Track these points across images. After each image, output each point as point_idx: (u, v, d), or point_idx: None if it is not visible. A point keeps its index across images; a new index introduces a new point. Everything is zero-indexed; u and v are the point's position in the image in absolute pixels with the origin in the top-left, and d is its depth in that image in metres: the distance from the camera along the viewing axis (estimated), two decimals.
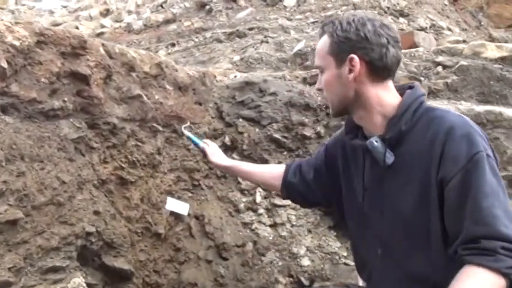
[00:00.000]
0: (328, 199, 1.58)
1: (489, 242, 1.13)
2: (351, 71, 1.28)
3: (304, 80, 2.94)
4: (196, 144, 1.87)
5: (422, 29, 3.55)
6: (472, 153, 1.18)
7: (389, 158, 1.28)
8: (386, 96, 1.31)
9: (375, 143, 1.28)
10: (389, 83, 1.33)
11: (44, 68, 1.92)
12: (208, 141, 1.89)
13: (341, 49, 1.29)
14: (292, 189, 1.62)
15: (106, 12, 5.79)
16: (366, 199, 1.38)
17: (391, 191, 1.31)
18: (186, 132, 1.95)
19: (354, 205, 1.43)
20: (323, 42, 1.34)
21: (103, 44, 2.26)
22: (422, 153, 1.24)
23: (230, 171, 2.08)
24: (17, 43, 1.77)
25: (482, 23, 4.33)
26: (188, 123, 2.04)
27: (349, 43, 1.28)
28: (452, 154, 1.20)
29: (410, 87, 1.35)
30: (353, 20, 1.29)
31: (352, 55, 1.27)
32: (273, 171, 1.75)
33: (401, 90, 1.35)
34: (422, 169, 1.24)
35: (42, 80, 1.91)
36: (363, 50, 1.27)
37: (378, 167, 1.31)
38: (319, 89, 1.40)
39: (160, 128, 2.57)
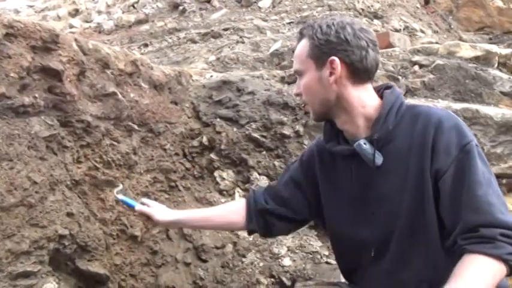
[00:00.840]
0: (315, 212, 1.53)
1: (488, 229, 1.14)
2: (331, 73, 1.29)
3: (283, 79, 2.91)
4: (132, 207, 1.63)
5: (396, 31, 3.59)
6: (463, 143, 1.20)
7: (379, 158, 1.28)
8: (367, 98, 1.32)
9: (364, 146, 1.28)
10: (369, 86, 1.34)
11: (13, 62, 1.82)
12: (145, 200, 1.68)
13: (322, 52, 1.30)
14: (270, 216, 1.53)
15: (75, 12, 5.63)
16: (355, 204, 1.35)
17: (383, 191, 1.30)
18: (120, 197, 1.67)
19: (338, 212, 1.41)
20: (302, 46, 1.34)
21: (76, 39, 2.17)
22: (412, 148, 1.25)
23: (182, 225, 1.90)
24: None
25: (452, 26, 4.43)
26: (121, 187, 1.77)
27: (329, 45, 1.28)
28: (444, 146, 1.21)
29: (388, 87, 1.36)
30: (333, 24, 1.30)
31: (333, 57, 1.28)
32: (231, 207, 1.67)
33: (379, 91, 1.37)
34: (415, 164, 1.24)
35: (12, 74, 1.80)
36: (343, 53, 1.28)
37: (366, 170, 1.30)
38: (298, 94, 1.40)
39: (136, 127, 2.49)
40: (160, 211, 1.60)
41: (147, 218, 1.61)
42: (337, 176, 1.40)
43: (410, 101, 2.54)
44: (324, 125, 1.43)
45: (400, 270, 1.29)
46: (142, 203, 1.63)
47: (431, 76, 2.61)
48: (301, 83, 1.36)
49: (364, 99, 1.32)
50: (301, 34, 1.37)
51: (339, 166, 1.40)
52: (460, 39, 4.08)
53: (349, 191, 1.36)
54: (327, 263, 2.34)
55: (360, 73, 1.30)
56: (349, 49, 1.27)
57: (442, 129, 1.22)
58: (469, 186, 1.17)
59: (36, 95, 1.90)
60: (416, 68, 2.70)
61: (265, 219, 1.54)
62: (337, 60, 1.28)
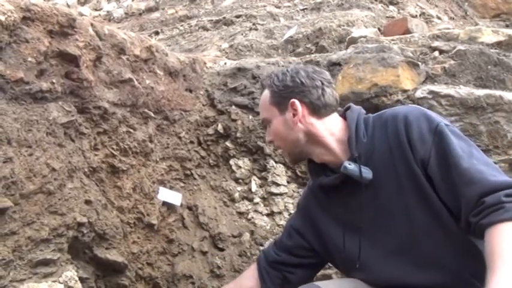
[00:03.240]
0: (323, 254, 1.53)
1: (490, 197, 1.12)
2: (294, 114, 1.39)
3: None
4: None
5: (412, 17, 3.52)
6: (434, 127, 1.25)
7: (367, 173, 1.30)
8: (333, 126, 1.40)
9: (349, 166, 1.31)
10: (334, 115, 1.43)
11: (30, 47, 1.78)
12: None
13: (282, 97, 1.40)
14: (286, 266, 1.54)
15: (84, 1, 5.58)
16: (351, 225, 1.36)
17: (384, 203, 1.30)
18: None
19: (341, 244, 1.40)
20: (264, 95, 1.46)
21: (92, 24, 2.13)
22: (393, 151, 1.29)
23: None
24: (2, 17, 1.64)
25: (468, 13, 4.34)
26: None
27: (287, 90, 1.39)
28: (418, 136, 1.25)
29: (347, 109, 1.44)
30: (287, 70, 1.43)
31: (293, 99, 1.38)
32: (245, 274, 1.68)
33: (341, 115, 1.45)
34: (401, 165, 1.27)
35: (29, 59, 1.77)
36: (301, 94, 1.38)
37: (360, 190, 1.31)
38: (271, 141, 1.50)
39: (152, 115, 2.46)
40: None
41: None
42: (336, 208, 1.42)
43: (430, 87, 2.49)
44: (307, 167, 1.50)
45: (433, 275, 1.25)
46: None
47: (452, 62, 2.55)
48: (270, 130, 1.46)
49: (331, 127, 1.39)
50: (262, 86, 1.49)
51: (334, 199, 1.42)
52: (476, 26, 3.99)
53: (348, 217, 1.38)
54: None
55: (321, 109, 1.39)
56: (306, 89, 1.38)
57: (410, 122, 1.27)
58: (454, 163, 1.19)
59: (54, 81, 1.87)
60: (436, 53, 2.63)
61: (281, 271, 1.55)
62: (296, 101, 1.38)
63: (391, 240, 1.30)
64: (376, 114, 1.41)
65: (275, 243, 1.64)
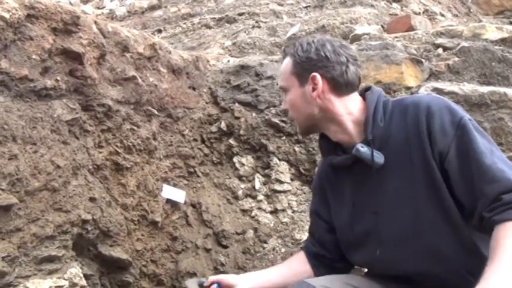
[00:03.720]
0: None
1: (509, 195, 1.11)
2: (314, 89, 1.34)
3: None
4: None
5: (416, 14, 3.51)
6: (457, 120, 1.21)
7: (379, 157, 1.28)
8: (352, 105, 1.35)
9: (362, 149, 1.28)
10: (354, 95, 1.38)
11: (34, 44, 1.79)
12: (214, 277, 1.53)
13: (303, 69, 1.35)
14: (325, 258, 1.51)
15: None
16: (359, 207, 1.35)
17: (391, 191, 1.28)
18: (191, 286, 1.54)
19: (348, 223, 1.40)
20: (286, 64, 1.41)
21: (95, 22, 2.14)
22: (410, 140, 1.26)
23: None
24: (6, 15, 1.64)
25: (471, 10, 4.33)
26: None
27: (310, 62, 1.34)
28: (439, 127, 1.22)
29: (367, 89, 1.39)
30: (313, 41, 1.36)
31: (314, 73, 1.33)
32: (292, 260, 1.61)
33: (361, 95, 1.40)
34: (417, 155, 1.24)
35: (34, 56, 1.78)
36: (324, 69, 1.33)
37: (370, 173, 1.29)
38: (285, 110, 1.46)
39: (156, 112, 2.46)
40: (242, 280, 1.50)
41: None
42: (343, 187, 1.41)
43: (434, 84, 2.48)
44: (319, 142, 1.47)
45: (431, 267, 1.25)
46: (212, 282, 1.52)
47: (456, 59, 2.54)
48: (286, 99, 1.42)
49: (350, 107, 1.35)
50: (284, 53, 1.44)
51: (342, 178, 1.41)
52: (480, 22, 3.98)
53: (357, 198, 1.36)
54: None
55: (342, 87, 1.34)
56: (330, 65, 1.32)
57: (432, 113, 1.24)
58: (475, 159, 1.17)
59: (58, 78, 1.87)
60: (440, 50, 2.63)
61: (325, 259, 1.52)
62: (318, 76, 1.32)
63: (394, 227, 1.29)
64: (396, 99, 1.38)
65: (309, 233, 1.60)
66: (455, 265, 1.23)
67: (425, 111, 1.24)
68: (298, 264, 1.55)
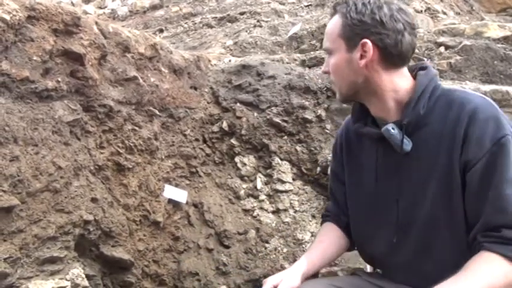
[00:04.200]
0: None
1: (510, 231, 1.08)
2: (362, 56, 1.21)
3: (303, 63, 2.86)
4: None
5: (418, 12, 3.50)
6: (498, 136, 1.12)
7: (407, 144, 1.21)
8: (399, 82, 1.24)
9: (392, 131, 1.21)
10: (403, 69, 1.26)
11: (35, 46, 1.79)
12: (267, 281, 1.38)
13: (353, 32, 1.21)
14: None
15: None
16: (379, 188, 1.30)
17: (410, 178, 1.24)
18: None
19: (360, 195, 1.35)
20: (334, 23, 1.26)
21: (96, 23, 2.14)
22: (444, 136, 1.18)
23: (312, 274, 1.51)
24: (7, 17, 1.64)
25: (474, 8, 4.31)
26: None
27: (362, 26, 1.20)
28: (477, 136, 1.13)
29: (422, 68, 1.27)
30: (369, 2, 1.21)
31: (365, 40, 1.19)
32: (327, 233, 1.49)
33: (413, 71, 1.28)
34: (444, 153, 1.18)
35: (34, 58, 1.78)
36: (377, 36, 1.19)
37: (394, 155, 1.24)
38: (326, 72, 1.33)
39: (157, 112, 2.46)
40: (291, 277, 1.35)
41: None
42: (363, 157, 1.35)
43: None
44: (353, 103, 1.37)
45: (422, 262, 1.24)
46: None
47: (458, 57, 2.53)
48: (330, 61, 1.29)
49: (397, 83, 1.24)
50: (334, 10, 1.27)
51: (365, 147, 1.34)
52: (482, 20, 3.97)
53: (373, 174, 1.31)
54: None
55: (394, 58, 1.21)
56: (384, 32, 1.19)
57: (475, 120, 1.14)
58: (497, 183, 1.10)
59: (59, 79, 1.87)
60: (442, 49, 2.62)
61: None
62: (369, 43, 1.19)
63: (400, 215, 1.26)
64: (447, 88, 1.27)
65: (332, 197, 1.52)
66: (451, 267, 1.21)
67: (470, 113, 1.15)
68: (340, 239, 1.45)
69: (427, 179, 1.21)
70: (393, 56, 1.21)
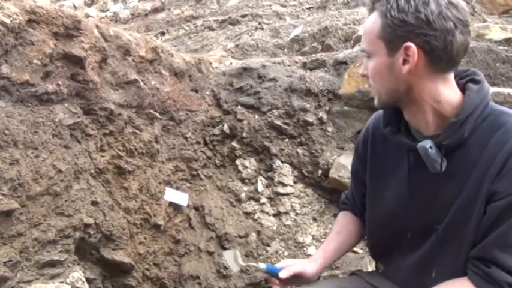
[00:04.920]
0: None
1: (499, 272, 1.06)
2: (405, 61, 1.07)
3: (304, 65, 2.85)
4: (276, 273, 1.37)
5: None
6: None
7: (443, 166, 1.13)
8: (445, 92, 1.10)
9: (430, 150, 1.11)
10: (450, 76, 1.11)
11: (36, 49, 1.79)
12: (283, 263, 1.41)
13: (395, 34, 1.06)
14: None
15: (91, 2, 5.61)
16: (410, 200, 1.23)
17: (437, 197, 1.18)
18: (263, 266, 1.41)
19: (387, 202, 1.30)
20: (373, 23, 1.11)
21: (97, 26, 2.14)
22: (480, 161, 1.09)
23: (327, 266, 1.52)
24: (7, 20, 1.64)
25: (475, 9, 4.29)
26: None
27: (406, 28, 1.04)
28: None
29: (474, 81, 1.13)
30: None
31: (409, 43, 1.05)
32: (345, 223, 1.48)
33: (460, 79, 1.14)
34: (475, 177, 1.10)
35: (35, 61, 1.78)
36: (422, 37, 1.04)
37: (425, 171, 1.17)
38: (364, 75, 1.20)
39: (158, 115, 2.46)
40: (305, 265, 1.37)
41: (298, 277, 1.38)
42: (388, 163, 1.28)
43: None
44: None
45: (427, 271, 1.22)
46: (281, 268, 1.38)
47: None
48: (369, 64, 1.15)
49: (442, 92, 1.10)
50: (372, 5, 1.12)
51: (391, 153, 1.26)
52: (484, 22, 3.95)
53: (405, 185, 1.24)
54: (353, 251, 2.29)
55: (442, 62, 1.06)
56: (431, 33, 1.03)
57: None
58: (510, 224, 1.05)
59: (60, 82, 1.87)
60: None
61: None
62: (414, 46, 1.04)
63: (419, 227, 1.23)
64: (496, 108, 1.14)
65: (351, 193, 1.49)
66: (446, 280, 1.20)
67: None
68: (356, 229, 1.45)
69: (453, 199, 1.15)
70: (441, 59, 1.06)
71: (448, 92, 1.11)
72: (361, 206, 1.43)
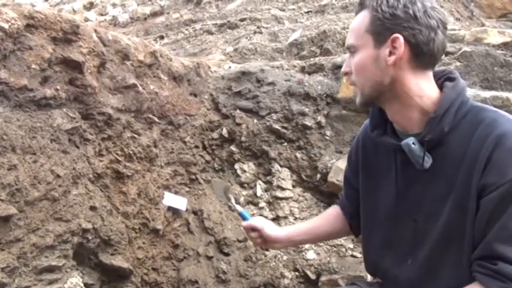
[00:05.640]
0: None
1: (506, 266, 1.05)
2: (391, 53, 1.13)
3: (303, 69, 2.85)
4: (245, 219, 1.53)
5: None
6: None
7: (427, 161, 1.15)
8: (426, 88, 1.15)
9: (412, 146, 1.15)
10: (430, 73, 1.17)
11: (34, 54, 1.79)
12: (256, 217, 1.55)
13: (384, 27, 1.13)
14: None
15: (90, 6, 5.61)
16: (399, 201, 1.24)
17: (427, 194, 1.19)
18: (238, 208, 1.60)
19: (373, 204, 1.32)
20: (361, 18, 1.18)
21: (95, 30, 2.14)
22: (466, 157, 1.11)
23: (291, 241, 1.58)
24: (5, 25, 1.64)
25: (474, 14, 4.31)
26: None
27: (394, 21, 1.12)
28: (500, 164, 1.07)
29: (450, 79, 1.18)
30: None
31: (397, 34, 1.11)
32: (331, 215, 1.53)
33: (438, 78, 1.19)
34: (463, 175, 1.11)
35: (33, 66, 1.78)
36: (410, 31, 1.11)
37: (412, 169, 1.19)
38: (347, 73, 1.23)
39: (156, 120, 2.46)
40: (271, 226, 1.49)
41: (257, 233, 1.49)
42: (379, 166, 1.30)
43: None
44: (372, 108, 1.29)
45: (425, 281, 1.21)
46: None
47: (458, 64, 2.52)
48: (352, 60, 1.20)
49: (423, 88, 1.15)
50: (361, 5, 1.19)
51: (381, 155, 1.29)
52: (483, 26, 3.96)
53: (393, 186, 1.26)
54: (352, 256, 2.29)
55: (424, 57, 1.12)
56: (417, 27, 1.10)
57: (502, 146, 1.07)
58: (509, 215, 1.05)
59: (58, 87, 1.87)
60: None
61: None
62: (401, 38, 1.11)
63: (414, 231, 1.23)
64: (476, 105, 1.18)
65: (344, 197, 1.52)
66: (447, 285, 1.19)
67: (497, 139, 1.07)
68: (337, 221, 1.50)
69: (443, 199, 1.16)
70: (424, 54, 1.12)
71: (428, 88, 1.16)
72: (349, 207, 1.47)
